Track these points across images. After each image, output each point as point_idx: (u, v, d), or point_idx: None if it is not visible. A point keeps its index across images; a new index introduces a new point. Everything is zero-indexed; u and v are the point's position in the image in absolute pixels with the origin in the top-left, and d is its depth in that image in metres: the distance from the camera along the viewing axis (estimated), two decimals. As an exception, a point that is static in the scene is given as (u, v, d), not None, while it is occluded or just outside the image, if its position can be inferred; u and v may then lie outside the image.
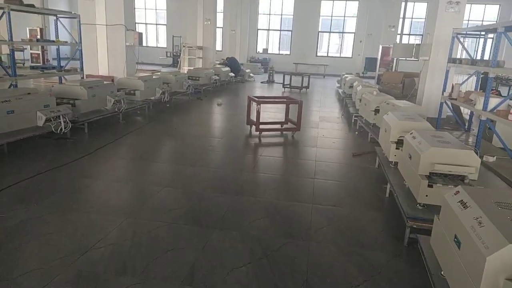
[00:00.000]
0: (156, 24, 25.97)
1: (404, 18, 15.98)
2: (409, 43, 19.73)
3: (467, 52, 7.44)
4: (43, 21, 16.51)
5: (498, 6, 21.25)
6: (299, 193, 4.22)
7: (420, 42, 20.34)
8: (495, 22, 20.53)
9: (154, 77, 9.06)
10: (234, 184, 4.40)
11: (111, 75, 9.80)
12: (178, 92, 10.45)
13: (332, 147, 6.45)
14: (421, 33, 22.43)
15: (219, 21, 21.29)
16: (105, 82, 7.22)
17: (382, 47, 17.08)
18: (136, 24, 25.52)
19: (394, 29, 17.65)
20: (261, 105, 6.76)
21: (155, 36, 26.21)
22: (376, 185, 4.57)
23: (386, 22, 18.02)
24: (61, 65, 8.24)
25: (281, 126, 7.41)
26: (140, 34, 9.57)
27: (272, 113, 8.85)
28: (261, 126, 6.89)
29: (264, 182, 4.55)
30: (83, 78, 8.72)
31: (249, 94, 7.64)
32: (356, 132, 7.54)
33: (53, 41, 8.03)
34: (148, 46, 25.62)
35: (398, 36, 17.21)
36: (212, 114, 9.22)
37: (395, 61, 16.38)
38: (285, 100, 7.61)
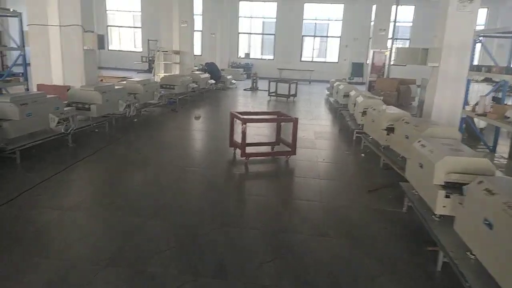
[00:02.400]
0: (132, 27, 24.26)
1: (395, 21, 15.05)
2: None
3: (492, 58, 6.29)
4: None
5: (486, 10, 20.58)
6: (310, 269, 2.82)
7: (407, 47, 19.48)
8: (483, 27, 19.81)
9: (116, 87, 7.53)
10: (209, 253, 2.96)
11: (67, 84, 8.19)
12: (149, 104, 8.97)
13: (338, 178, 5.10)
14: (408, 38, 21.79)
15: (198, 24, 19.83)
16: (48, 96, 5.65)
17: (374, 51, 15.98)
18: (109, 27, 23.84)
19: (384, 33, 16.60)
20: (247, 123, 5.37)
21: (132, 40, 24.47)
22: (415, 246, 3.21)
23: (376, 26, 16.98)
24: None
25: (272, 149, 6.03)
26: (100, 36, 8.00)
27: (259, 128, 7.46)
28: (248, 149, 5.49)
29: (254, 247, 3.12)
30: (27, 89, 7.18)
31: (232, 109, 6.25)
32: (363, 154, 6.24)
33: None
34: (122, 51, 23.92)
35: (389, 41, 16.32)
36: (188, 131, 7.75)
37: (386, 66, 15.33)
38: (276, 117, 6.23)
